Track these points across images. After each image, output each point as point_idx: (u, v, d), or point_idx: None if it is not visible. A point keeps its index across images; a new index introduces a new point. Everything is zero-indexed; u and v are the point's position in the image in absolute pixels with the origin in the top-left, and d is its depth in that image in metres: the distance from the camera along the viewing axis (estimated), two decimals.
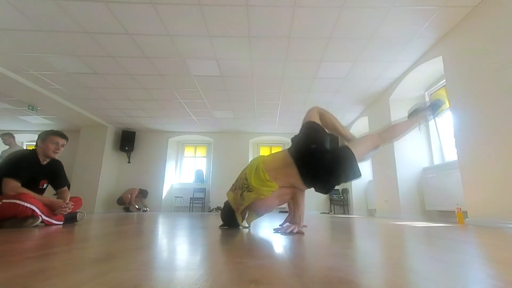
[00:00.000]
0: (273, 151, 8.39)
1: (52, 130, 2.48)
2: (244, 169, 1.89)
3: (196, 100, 5.62)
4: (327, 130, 1.97)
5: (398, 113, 4.79)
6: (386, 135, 2.00)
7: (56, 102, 5.53)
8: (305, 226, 1.97)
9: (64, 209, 2.21)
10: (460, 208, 3.55)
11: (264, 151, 8.46)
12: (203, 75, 4.57)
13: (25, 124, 7.38)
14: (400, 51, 3.78)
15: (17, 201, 1.91)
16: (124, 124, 7.37)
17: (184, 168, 8.40)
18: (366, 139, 1.96)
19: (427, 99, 4.66)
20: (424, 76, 4.28)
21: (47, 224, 2.10)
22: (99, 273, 0.66)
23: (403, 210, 4.42)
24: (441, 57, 3.51)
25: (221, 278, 0.63)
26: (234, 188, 1.88)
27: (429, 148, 4.56)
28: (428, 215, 4.28)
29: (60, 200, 2.28)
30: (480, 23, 2.88)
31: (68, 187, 2.58)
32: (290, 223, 1.94)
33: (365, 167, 6.89)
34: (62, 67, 4.28)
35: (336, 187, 3.36)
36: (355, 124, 6.77)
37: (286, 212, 7.53)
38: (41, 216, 2.02)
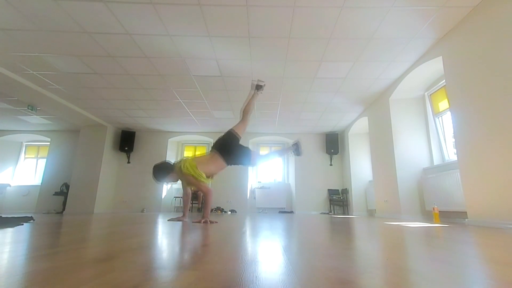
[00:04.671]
0: (273, 151, 8.42)
1: None
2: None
3: (196, 100, 5.62)
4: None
5: (398, 113, 4.79)
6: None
7: (55, 102, 5.53)
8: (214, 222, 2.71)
9: None
10: (436, 208, 3.65)
11: (264, 151, 8.46)
12: (203, 75, 4.57)
13: (25, 124, 7.38)
14: (400, 51, 3.79)
15: None
16: (124, 124, 7.36)
17: None
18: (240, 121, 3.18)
19: (427, 99, 4.66)
20: (424, 76, 4.28)
21: None
22: (99, 273, 0.65)
23: (403, 211, 4.43)
24: (441, 57, 3.51)
25: (221, 278, 0.63)
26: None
27: (429, 148, 4.56)
28: (428, 215, 4.28)
29: None
30: (480, 23, 2.88)
31: None
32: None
33: (365, 167, 6.90)
34: (62, 67, 4.28)
35: (336, 188, 6.49)
36: (355, 124, 6.78)
37: (285, 212, 7.54)
38: None
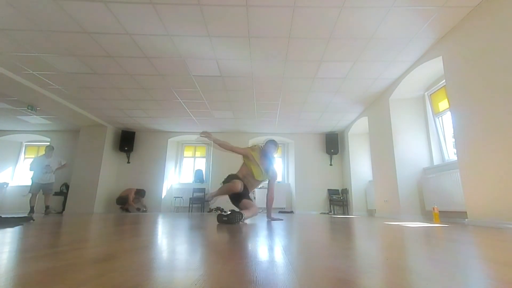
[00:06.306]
0: None
1: None
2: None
3: (196, 100, 5.62)
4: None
5: (398, 113, 4.79)
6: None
7: (55, 102, 5.53)
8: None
9: None
10: (436, 208, 3.66)
11: None
12: (203, 75, 4.57)
13: (25, 124, 7.38)
14: (400, 51, 3.78)
15: None
16: (124, 124, 7.36)
17: (183, 168, 8.40)
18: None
19: (427, 99, 4.66)
20: (424, 76, 4.28)
21: None
22: (99, 273, 0.65)
23: (403, 210, 4.42)
24: (441, 57, 3.51)
25: (221, 278, 0.63)
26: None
27: (429, 148, 4.56)
28: (428, 215, 4.28)
29: None
30: (480, 23, 2.88)
31: None
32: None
33: (365, 167, 6.90)
34: (61, 67, 4.27)
35: (336, 187, 6.90)
36: (355, 124, 6.78)
37: (285, 212, 7.53)
38: None
